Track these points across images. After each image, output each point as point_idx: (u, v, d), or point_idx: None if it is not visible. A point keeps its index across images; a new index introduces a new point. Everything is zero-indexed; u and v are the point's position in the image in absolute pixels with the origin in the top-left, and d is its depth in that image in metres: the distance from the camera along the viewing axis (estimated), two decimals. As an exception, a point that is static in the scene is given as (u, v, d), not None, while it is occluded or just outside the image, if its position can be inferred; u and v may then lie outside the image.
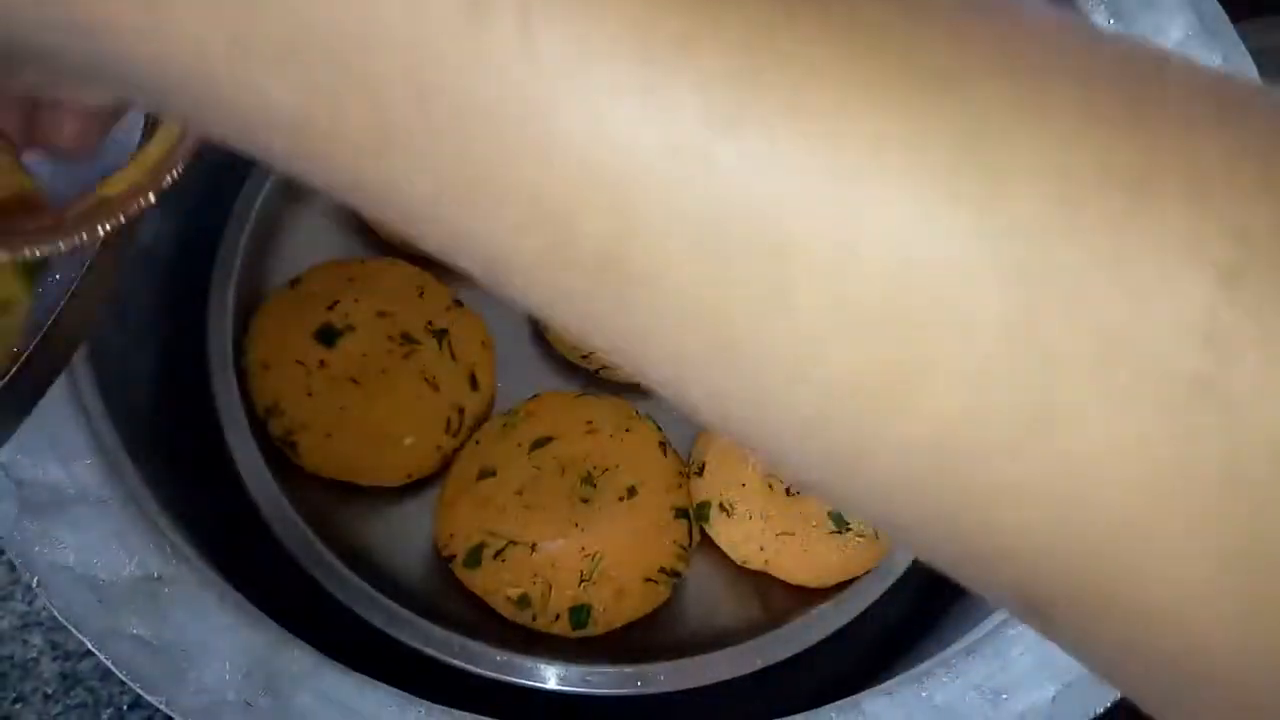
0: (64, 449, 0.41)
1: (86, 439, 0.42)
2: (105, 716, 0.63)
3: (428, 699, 0.57)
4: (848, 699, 0.41)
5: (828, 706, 0.41)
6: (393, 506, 0.59)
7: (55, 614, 0.36)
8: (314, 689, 0.37)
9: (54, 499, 0.39)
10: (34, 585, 0.37)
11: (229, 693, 0.36)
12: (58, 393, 0.42)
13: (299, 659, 0.38)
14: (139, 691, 0.36)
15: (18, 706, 0.65)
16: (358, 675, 0.39)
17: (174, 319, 0.60)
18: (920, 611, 0.63)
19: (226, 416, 0.57)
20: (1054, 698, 0.39)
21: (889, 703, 0.40)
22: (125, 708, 0.57)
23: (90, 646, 0.36)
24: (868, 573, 0.58)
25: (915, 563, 0.58)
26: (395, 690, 0.40)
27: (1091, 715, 0.38)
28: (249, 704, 0.36)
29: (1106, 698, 0.39)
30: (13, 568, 0.56)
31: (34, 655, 0.64)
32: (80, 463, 0.41)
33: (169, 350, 0.58)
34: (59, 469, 0.40)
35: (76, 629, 0.36)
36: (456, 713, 0.39)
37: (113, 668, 0.36)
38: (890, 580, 0.58)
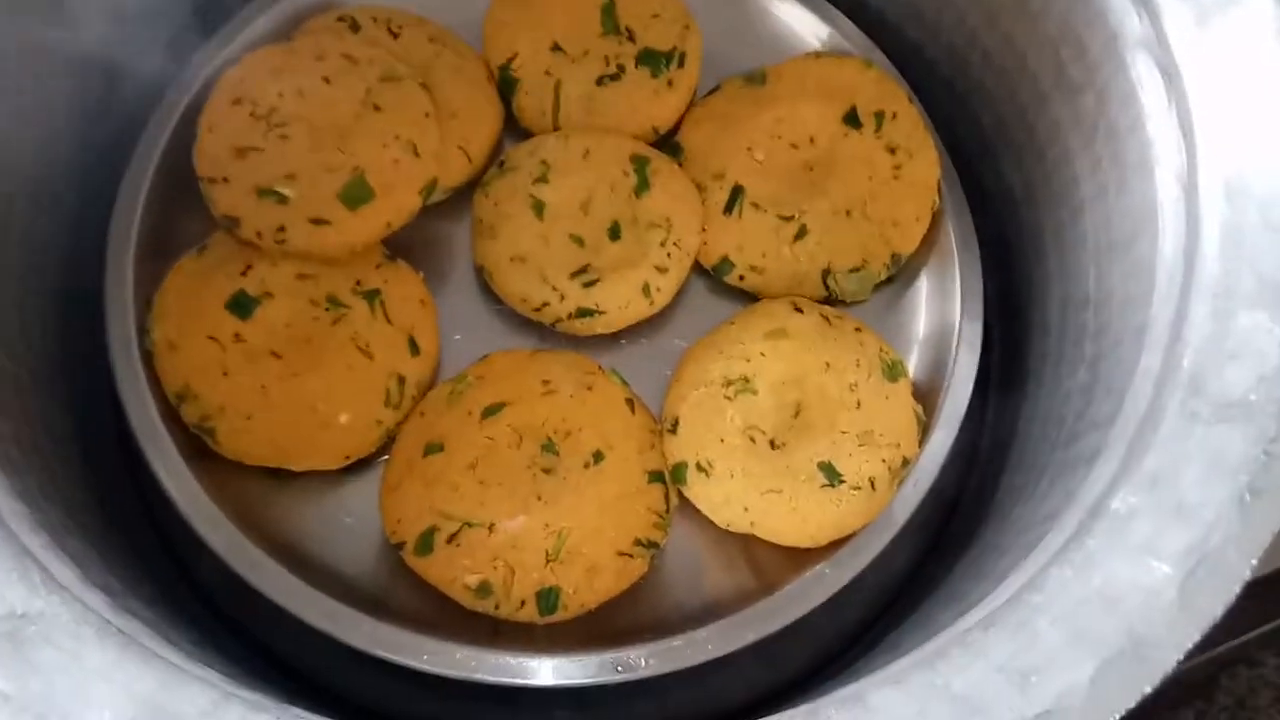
0: (-99, 467, 0.34)
1: (-65, 452, 0.35)
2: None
3: (387, 701, 0.52)
4: (851, 688, 0.35)
5: (828, 700, 0.35)
6: (331, 492, 0.53)
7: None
8: (216, 733, 0.31)
9: (-110, 528, 0.33)
10: None
11: (111, 748, 0.30)
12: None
13: (196, 698, 0.32)
14: (-1, 758, 0.30)
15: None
16: (272, 708, 0.33)
17: (64, 297, 0.53)
18: (924, 567, 0.58)
19: (132, 405, 0.51)
20: (1092, 677, 0.33)
21: (899, 694, 0.34)
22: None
23: (-66, 708, 0.30)
24: (863, 528, 0.52)
25: (916, 513, 0.53)
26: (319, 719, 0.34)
27: (1137, 696, 0.33)
28: (138, 759, 0.30)
29: (1154, 674, 0.33)
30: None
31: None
32: (-75, 482, 0.34)
33: (59, 334, 0.52)
34: (-108, 492, 0.34)
35: (-81, 687, 0.30)
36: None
37: (-35, 732, 0.30)
38: (890, 534, 0.52)
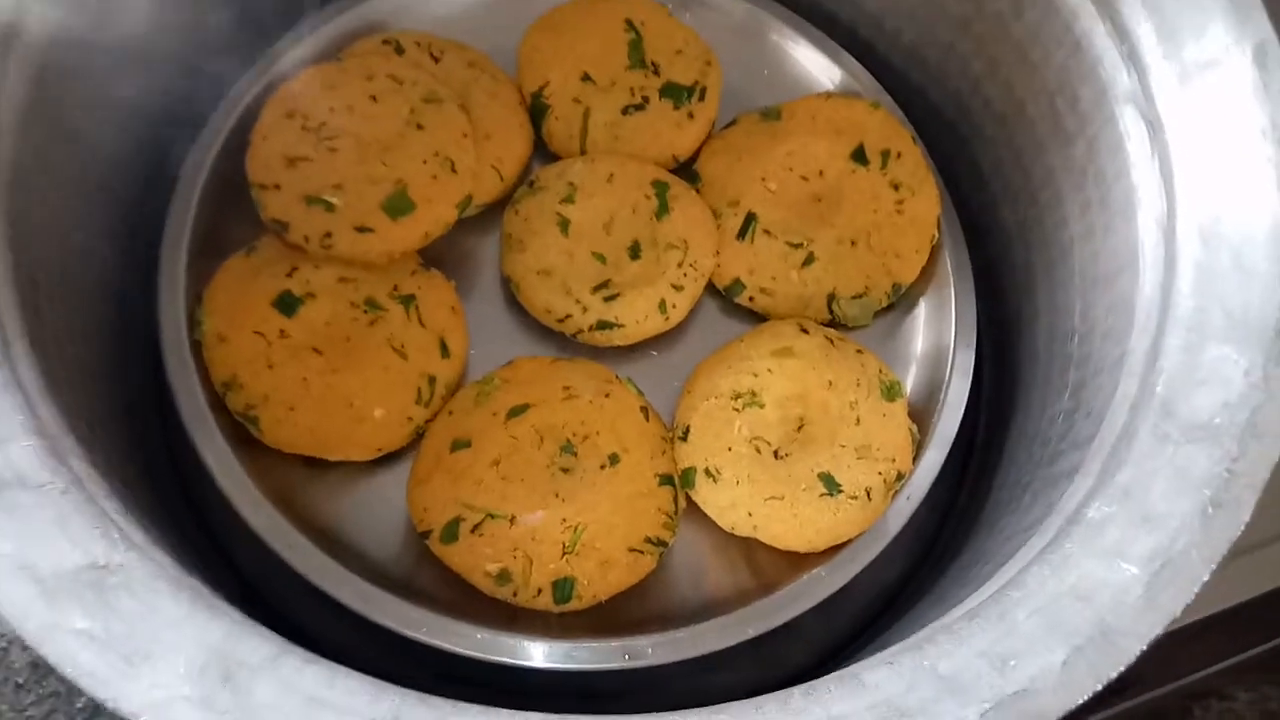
0: (-1, 431, 0.38)
1: (25, 419, 0.39)
2: (79, 704, 0.61)
3: (407, 682, 0.55)
4: (847, 669, 0.39)
5: (827, 678, 0.38)
6: (363, 482, 0.56)
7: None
8: (277, 679, 0.35)
9: (-12, 485, 0.36)
10: (-32, 579, 0.34)
11: (184, 687, 0.34)
12: (-11, 371, 0.39)
13: (259, 648, 0.35)
14: (86, 691, 0.33)
15: (-12, 698, 0.63)
16: (325, 663, 0.36)
17: (122, 290, 0.56)
18: (916, 574, 0.61)
19: (182, 392, 0.54)
20: (1064, 662, 0.37)
21: (890, 673, 0.38)
22: (94, 698, 0.55)
23: (30, 643, 0.33)
24: (859, 536, 0.56)
25: (909, 524, 0.56)
26: (366, 678, 0.37)
27: (1104, 679, 0.36)
28: (207, 699, 0.34)
29: (1120, 661, 0.37)
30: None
31: (3, 645, 0.61)
32: (17, 445, 0.38)
33: (117, 324, 0.55)
34: (-8, 452, 0.37)
35: (15, 624, 0.34)
36: (433, 699, 0.37)
37: (56, 666, 0.33)
38: (884, 542, 0.56)
